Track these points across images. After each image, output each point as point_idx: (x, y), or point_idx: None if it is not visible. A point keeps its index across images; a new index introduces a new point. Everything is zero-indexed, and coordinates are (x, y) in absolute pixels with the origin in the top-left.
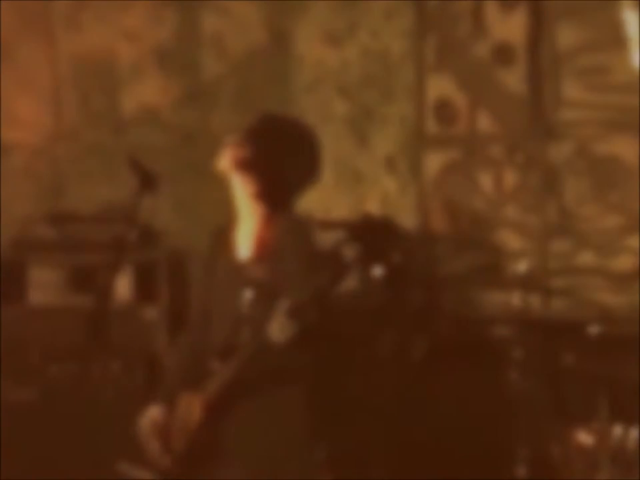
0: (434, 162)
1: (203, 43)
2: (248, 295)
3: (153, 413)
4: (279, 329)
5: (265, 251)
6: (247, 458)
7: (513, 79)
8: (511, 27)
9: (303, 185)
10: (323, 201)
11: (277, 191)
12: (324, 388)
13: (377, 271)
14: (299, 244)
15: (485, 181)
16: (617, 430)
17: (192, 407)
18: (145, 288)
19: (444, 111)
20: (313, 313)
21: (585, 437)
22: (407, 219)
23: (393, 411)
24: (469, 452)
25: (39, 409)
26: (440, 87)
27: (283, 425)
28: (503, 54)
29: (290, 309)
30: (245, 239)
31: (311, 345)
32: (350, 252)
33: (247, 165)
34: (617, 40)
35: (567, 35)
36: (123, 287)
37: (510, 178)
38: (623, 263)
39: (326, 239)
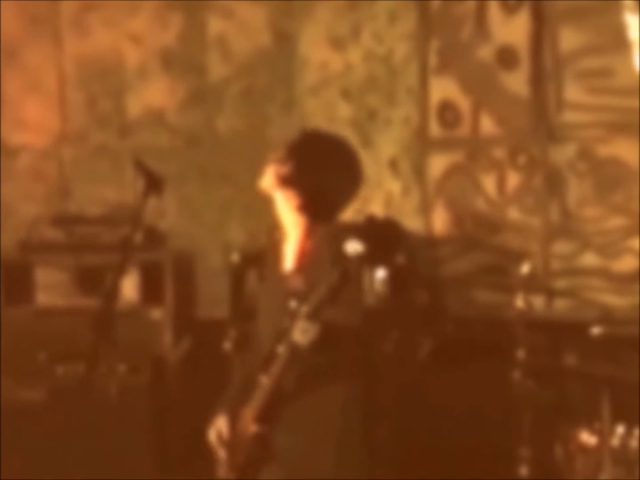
0: (437, 164)
1: (208, 46)
2: (291, 305)
3: (219, 424)
4: (301, 333)
5: (304, 262)
6: (285, 457)
7: (516, 82)
8: (513, 30)
9: (345, 198)
10: None
11: (319, 204)
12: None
13: (381, 271)
14: (335, 254)
15: (488, 182)
16: (619, 430)
17: (245, 421)
18: (150, 289)
19: (447, 113)
20: (329, 312)
21: (587, 437)
22: (411, 220)
23: (396, 411)
24: (471, 451)
25: (46, 409)
26: (443, 89)
27: (322, 425)
28: (506, 57)
29: (308, 312)
30: (290, 251)
31: (336, 343)
32: (355, 252)
33: (288, 181)
34: (619, 43)
35: (569, 38)
36: (129, 287)
37: (513, 180)
38: (625, 264)
39: None
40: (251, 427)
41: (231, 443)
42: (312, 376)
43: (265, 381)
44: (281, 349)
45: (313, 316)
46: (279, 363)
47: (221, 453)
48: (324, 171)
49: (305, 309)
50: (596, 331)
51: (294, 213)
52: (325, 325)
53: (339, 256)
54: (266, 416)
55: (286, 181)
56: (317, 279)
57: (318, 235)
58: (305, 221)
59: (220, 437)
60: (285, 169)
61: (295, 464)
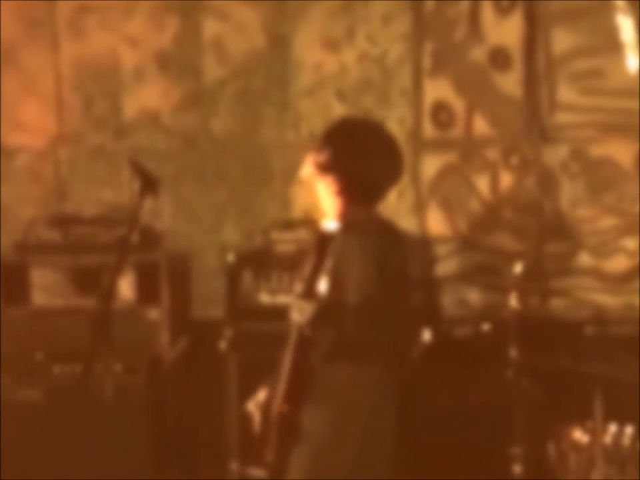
0: (431, 165)
1: (203, 48)
2: (321, 286)
3: (259, 395)
4: (298, 311)
5: (335, 248)
6: (312, 437)
7: (509, 83)
8: (506, 32)
9: (384, 181)
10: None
11: (358, 188)
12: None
13: None
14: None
15: (482, 183)
16: (612, 428)
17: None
18: (146, 289)
19: (441, 114)
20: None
21: (580, 435)
22: (405, 220)
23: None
24: (465, 450)
25: (43, 408)
26: (437, 90)
27: (347, 407)
28: (499, 58)
29: (302, 292)
30: (328, 235)
31: (335, 319)
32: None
33: (327, 167)
34: (611, 44)
35: (562, 40)
36: (126, 287)
37: (506, 180)
38: (618, 264)
39: None
40: (278, 406)
41: (266, 418)
42: (329, 356)
43: (285, 361)
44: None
45: (306, 295)
46: (289, 343)
47: (257, 422)
48: (360, 155)
49: (299, 288)
50: (589, 330)
51: (334, 199)
52: (322, 302)
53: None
54: (290, 396)
55: (324, 168)
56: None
57: (353, 220)
58: (345, 206)
59: (257, 402)
60: (322, 156)
61: (320, 445)
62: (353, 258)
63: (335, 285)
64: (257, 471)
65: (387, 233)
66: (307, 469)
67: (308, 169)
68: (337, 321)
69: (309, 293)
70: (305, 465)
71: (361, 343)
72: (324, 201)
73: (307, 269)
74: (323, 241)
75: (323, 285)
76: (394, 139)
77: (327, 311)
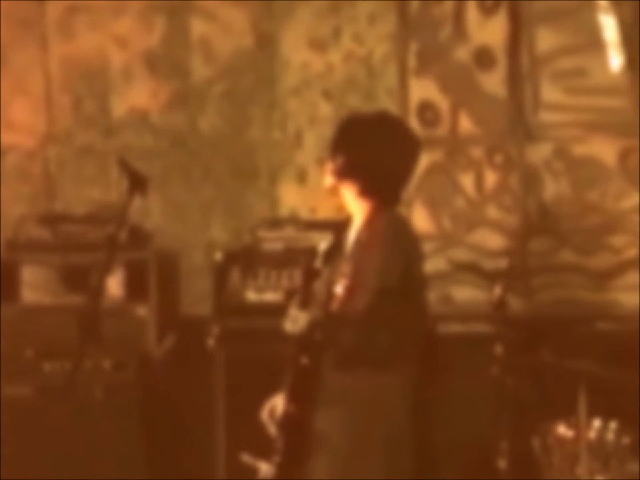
0: None
1: (191, 48)
2: (337, 289)
3: (274, 401)
4: (291, 321)
5: (357, 249)
6: (327, 439)
7: (493, 82)
8: (490, 31)
9: (403, 171)
10: (309, 201)
11: (380, 184)
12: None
13: None
14: (387, 245)
15: (467, 181)
16: (596, 424)
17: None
18: (135, 287)
19: (426, 113)
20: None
21: (564, 431)
22: None
23: None
24: (451, 445)
25: (33, 406)
26: (422, 89)
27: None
28: (483, 57)
29: (298, 302)
30: (352, 236)
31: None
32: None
33: (345, 172)
34: (594, 43)
35: (545, 39)
36: (114, 285)
37: (491, 178)
38: (602, 261)
39: (311, 239)
40: (287, 408)
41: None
42: (344, 363)
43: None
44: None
45: (302, 305)
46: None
47: (272, 430)
48: (373, 150)
49: (297, 297)
50: (573, 326)
51: (358, 200)
52: (318, 314)
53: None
54: (295, 396)
55: (342, 173)
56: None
57: (377, 222)
58: (371, 205)
59: (272, 414)
60: (337, 163)
61: (344, 454)
62: (373, 260)
63: (352, 287)
64: (245, 458)
65: (410, 234)
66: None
67: (328, 178)
68: (333, 333)
69: (306, 303)
70: (331, 475)
71: (379, 350)
72: (350, 206)
73: (305, 280)
74: (324, 254)
75: (339, 288)
76: (403, 125)
77: (322, 323)
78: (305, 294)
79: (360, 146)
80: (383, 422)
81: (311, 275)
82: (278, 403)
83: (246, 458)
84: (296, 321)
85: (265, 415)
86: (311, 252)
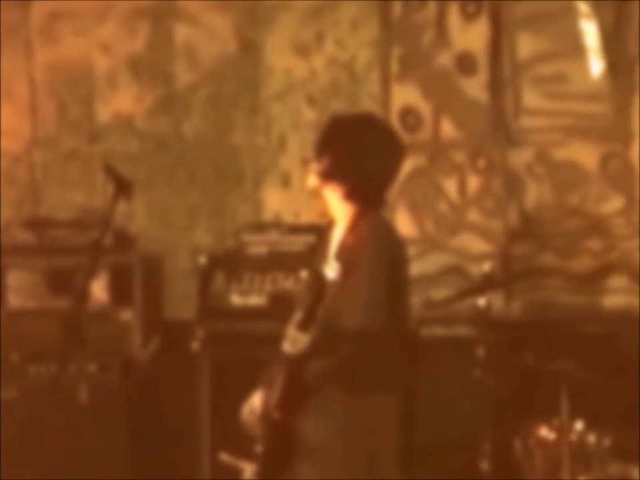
0: None
1: (175, 53)
2: (329, 273)
3: (254, 400)
4: (290, 342)
5: (343, 253)
6: (314, 448)
7: (475, 88)
8: (472, 37)
9: (389, 177)
10: (292, 205)
11: (364, 186)
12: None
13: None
14: (373, 249)
15: (449, 185)
16: (578, 426)
17: (269, 406)
18: (120, 290)
19: (409, 118)
20: (318, 329)
21: (546, 433)
22: None
23: None
24: (433, 446)
25: (18, 409)
26: (405, 95)
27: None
28: (465, 63)
29: (299, 322)
30: (336, 240)
31: (334, 347)
32: (332, 273)
33: (329, 174)
34: (574, 49)
35: (526, 45)
36: (99, 289)
37: (473, 183)
38: (583, 264)
39: (295, 243)
40: (272, 413)
41: (262, 421)
42: (326, 374)
43: (280, 370)
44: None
45: (302, 326)
46: (281, 367)
47: (253, 429)
48: (360, 153)
49: (297, 317)
50: (554, 329)
51: (342, 204)
52: (323, 330)
53: (317, 276)
54: (285, 405)
55: (327, 175)
56: (350, 273)
57: (362, 226)
58: (354, 209)
59: (252, 413)
60: (322, 165)
61: (328, 457)
62: (362, 273)
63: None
64: (224, 457)
65: (395, 237)
66: None
67: (312, 179)
68: (332, 351)
69: (307, 324)
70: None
71: (358, 373)
72: (334, 208)
73: (307, 299)
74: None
75: (330, 273)
76: (389, 127)
77: (322, 344)
78: (308, 317)
79: (346, 148)
80: (370, 437)
81: (319, 300)
82: (256, 402)
83: (224, 457)
84: (295, 342)
85: (245, 414)
86: (319, 276)
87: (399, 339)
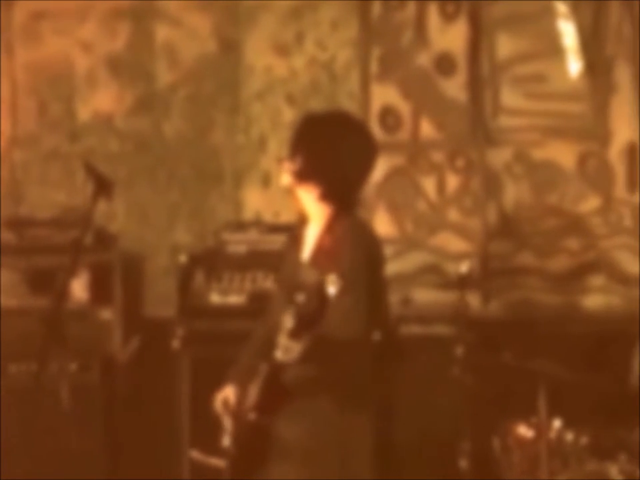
0: (379, 167)
1: (155, 53)
2: (299, 298)
3: (226, 392)
4: (283, 351)
5: (321, 255)
6: (292, 449)
7: (454, 88)
8: (451, 38)
9: (361, 171)
10: (272, 205)
11: (339, 186)
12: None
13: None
14: (353, 252)
15: (428, 185)
16: (556, 424)
17: (246, 405)
18: (100, 289)
19: (388, 118)
20: (310, 337)
21: (524, 431)
22: None
23: None
24: (412, 445)
25: None
26: (384, 95)
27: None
28: (444, 63)
29: (291, 331)
30: (310, 240)
31: (326, 356)
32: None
33: (304, 174)
34: (553, 49)
35: (505, 45)
36: (79, 288)
37: (452, 182)
38: (560, 263)
39: (275, 242)
40: (250, 414)
41: (236, 415)
42: (309, 381)
43: (262, 371)
44: (273, 354)
45: (295, 335)
46: (263, 369)
47: (226, 422)
48: (334, 154)
49: (289, 325)
50: (531, 328)
51: (317, 204)
52: (314, 339)
53: (320, 288)
54: (264, 406)
55: (301, 176)
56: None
57: (339, 227)
58: (330, 209)
59: (226, 405)
60: (296, 165)
61: (303, 457)
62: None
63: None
64: (194, 454)
65: (372, 237)
66: None
67: (286, 178)
68: (328, 359)
69: (300, 334)
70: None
71: (339, 380)
72: (309, 208)
73: (303, 309)
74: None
75: (332, 288)
76: (362, 126)
77: (322, 347)
78: (303, 327)
79: (320, 148)
80: (343, 446)
81: (319, 316)
82: (229, 393)
83: (195, 455)
84: (288, 351)
85: (217, 406)
86: (321, 291)
87: (383, 342)
